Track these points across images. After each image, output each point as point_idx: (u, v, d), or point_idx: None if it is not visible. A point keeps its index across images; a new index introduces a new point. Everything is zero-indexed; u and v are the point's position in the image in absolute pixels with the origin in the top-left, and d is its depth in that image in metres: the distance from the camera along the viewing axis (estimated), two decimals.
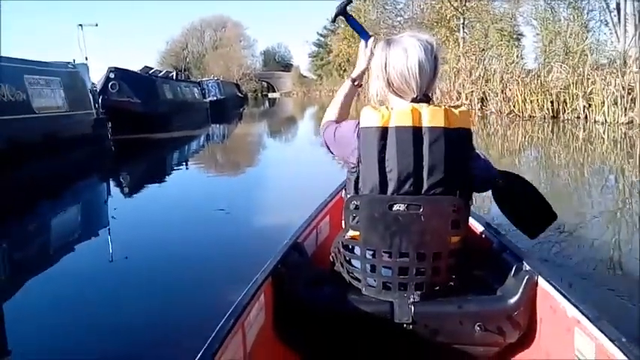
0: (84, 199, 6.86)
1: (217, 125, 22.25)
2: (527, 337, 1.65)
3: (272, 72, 69.29)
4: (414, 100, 1.55)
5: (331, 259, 1.77)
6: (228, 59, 57.79)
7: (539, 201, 1.85)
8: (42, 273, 3.74)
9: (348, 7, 1.87)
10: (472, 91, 17.73)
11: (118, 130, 15.01)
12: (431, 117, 1.49)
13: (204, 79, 31.98)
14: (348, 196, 1.61)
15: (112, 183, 8.46)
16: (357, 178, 1.58)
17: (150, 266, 3.65)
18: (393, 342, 1.60)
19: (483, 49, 25.17)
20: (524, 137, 11.94)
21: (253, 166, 9.99)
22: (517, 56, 21.87)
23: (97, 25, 12.67)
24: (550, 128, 12.61)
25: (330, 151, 1.73)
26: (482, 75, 17.49)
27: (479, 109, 17.43)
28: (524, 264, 1.71)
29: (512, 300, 1.61)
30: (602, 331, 1.32)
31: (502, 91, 15.48)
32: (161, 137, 15.01)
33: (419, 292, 1.57)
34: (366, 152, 1.53)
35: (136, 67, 18.34)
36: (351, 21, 1.89)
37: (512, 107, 14.87)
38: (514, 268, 1.71)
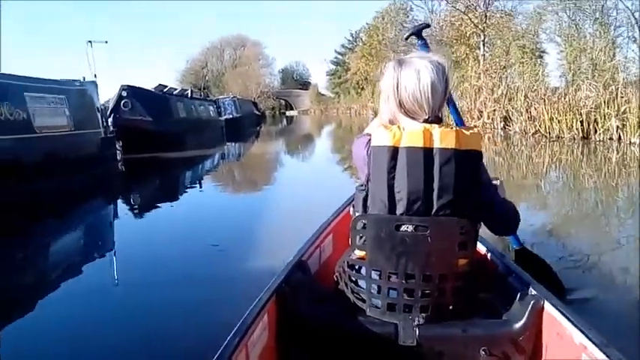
0: (82, 223, 6.45)
1: (233, 144, 21.82)
2: None
3: (290, 90, 69.21)
4: (425, 121, 1.54)
5: (335, 279, 1.75)
6: (247, 78, 57.79)
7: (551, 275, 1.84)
8: (41, 298, 3.53)
9: (423, 31, 1.87)
10: (494, 110, 16.93)
11: (130, 149, 14.67)
12: (442, 138, 1.48)
13: (220, 97, 31.69)
14: (356, 214, 1.60)
15: (116, 205, 8.03)
16: (366, 196, 1.56)
17: (155, 290, 3.49)
18: None
19: (504, 67, 24.54)
20: (551, 159, 11.16)
21: (268, 185, 9.46)
22: (541, 74, 21.17)
23: (106, 42, 12.34)
24: (580, 150, 11.77)
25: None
26: (505, 93, 16.70)
27: (502, 129, 16.60)
28: (530, 289, 1.69)
29: (518, 325, 1.58)
30: (609, 358, 1.29)
31: (527, 110, 14.65)
32: (174, 156, 14.57)
33: (424, 315, 1.55)
34: (376, 171, 1.52)
35: (154, 85, 17.97)
36: (422, 43, 1.85)
37: (537, 127, 14.01)
38: (520, 293, 1.68)
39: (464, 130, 1.52)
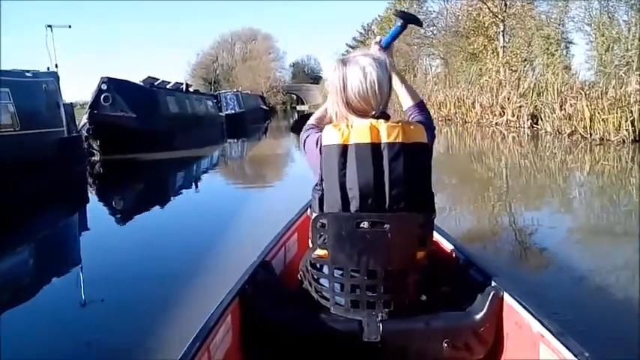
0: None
1: (235, 141, 19.91)
2: (493, 353, 1.63)
3: (301, 84, 67.07)
4: (372, 117, 1.53)
5: (299, 278, 1.73)
6: (257, 71, 55.84)
7: None
8: None
9: (409, 25, 1.89)
10: (520, 106, 14.68)
11: (108, 149, 12.80)
12: (389, 133, 1.49)
13: (222, 91, 29.68)
14: (314, 214, 1.58)
15: (68, 219, 6.83)
16: (322, 196, 1.55)
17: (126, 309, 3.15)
18: None
19: (525, 59, 22.25)
20: (592, 165, 9.06)
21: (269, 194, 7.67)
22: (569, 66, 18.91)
23: (70, 26, 10.30)
24: (630, 155, 9.56)
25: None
26: (532, 87, 14.42)
27: (529, 128, 14.32)
28: (490, 280, 1.70)
29: (479, 316, 1.59)
30: (565, 346, 1.31)
31: (561, 107, 12.37)
32: (158, 158, 12.65)
33: (387, 310, 1.54)
34: (328, 170, 1.52)
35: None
36: (398, 29, 1.88)
37: (575, 126, 11.73)
38: (480, 284, 1.69)
39: (408, 124, 1.54)
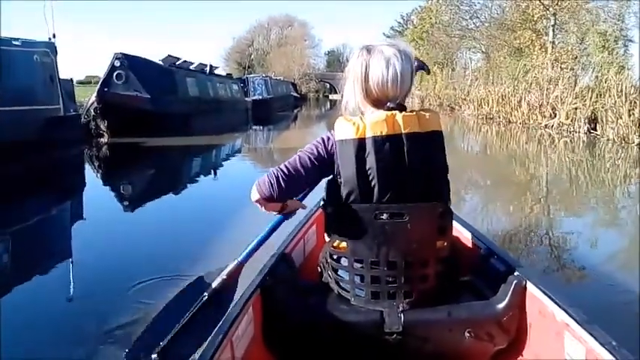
0: None
1: (260, 128, 18.55)
2: (517, 343, 1.59)
3: (335, 73, 65.13)
4: (388, 109, 1.47)
5: (319, 270, 1.70)
6: (291, 58, 54.36)
7: None
8: None
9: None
10: (576, 108, 12.77)
11: (118, 131, 11.62)
12: (406, 123, 1.44)
13: (250, 75, 28.27)
14: (330, 208, 1.54)
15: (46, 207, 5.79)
16: (338, 189, 1.49)
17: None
18: (383, 351, 1.52)
19: (576, 57, 20.12)
20: None
21: None
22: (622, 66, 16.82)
23: None
24: None
25: (280, 192, 1.54)
26: (592, 87, 12.49)
27: (585, 133, 12.42)
28: (513, 269, 1.65)
29: (501, 305, 1.56)
30: (591, 335, 1.27)
31: (629, 112, 10.47)
32: (170, 144, 11.38)
33: (408, 300, 1.51)
34: (345, 164, 1.46)
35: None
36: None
37: None
38: (502, 274, 1.65)
39: (423, 113, 1.49)
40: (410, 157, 1.43)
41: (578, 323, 1.33)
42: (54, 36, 8.63)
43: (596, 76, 12.91)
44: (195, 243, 3.88)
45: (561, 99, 13.61)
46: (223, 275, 1.68)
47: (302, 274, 1.94)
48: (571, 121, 12.88)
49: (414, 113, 1.46)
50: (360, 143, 1.43)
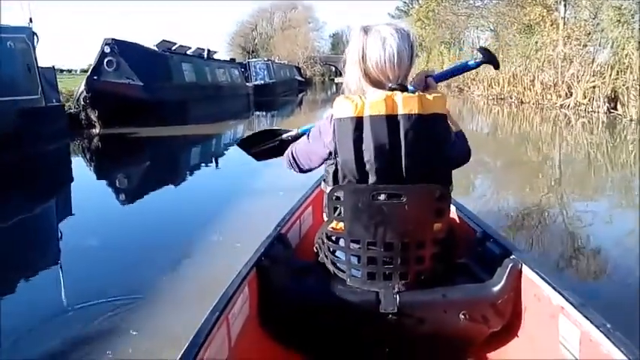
0: None
1: (263, 114, 17.84)
2: (511, 325, 1.60)
3: (340, 56, 62.98)
4: (389, 90, 1.46)
5: (315, 250, 1.70)
6: (295, 41, 53.28)
7: None
8: None
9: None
10: (594, 87, 11.91)
11: (109, 121, 11.02)
12: (405, 104, 1.42)
13: (251, 60, 27.39)
14: (329, 188, 1.52)
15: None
16: (336, 170, 1.50)
17: None
18: (378, 331, 1.53)
19: (589, 33, 19.08)
20: None
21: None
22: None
23: None
24: None
25: (298, 167, 1.69)
26: (612, 64, 11.61)
27: (605, 113, 11.57)
28: (509, 252, 1.65)
29: (497, 288, 1.56)
30: (586, 318, 1.27)
31: None
32: (164, 134, 10.72)
33: (404, 282, 1.51)
34: (342, 143, 1.45)
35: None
36: (467, 66, 1.87)
37: None
38: (498, 257, 1.65)
39: (427, 95, 1.45)
40: (407, 138, 1.41)
41: (573, 306, 1.33)
42: (30, 20, 7.92)
43: (615, 52, 11.95)
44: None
45: (577, 77, 12.75)
46: (289, 136, 1.99)
47: (298, 255, 1.93)
48: (589, 100, 12.04)
49: (416, 94, 1.43)
50: (358, 122, 1.42)
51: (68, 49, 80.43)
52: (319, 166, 1.63)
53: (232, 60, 24.09)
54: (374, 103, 1.41)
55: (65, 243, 4.03)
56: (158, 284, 2.90)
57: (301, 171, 1.69)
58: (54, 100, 8.45)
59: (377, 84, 1.47)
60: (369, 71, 1.45)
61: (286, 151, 1.71)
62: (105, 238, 3.94)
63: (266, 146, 2.08)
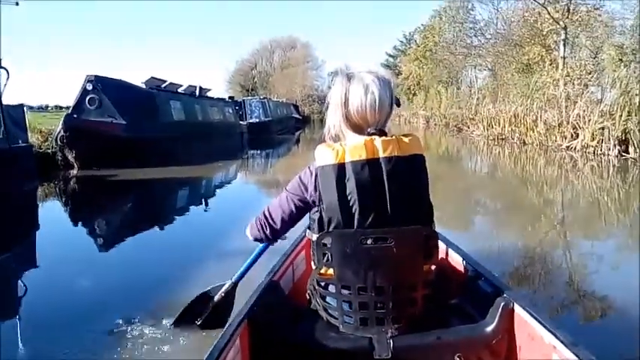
0: None
1: (258, 153, 17.12)
2: None
3: None
4: (368, 134, 1.50)
5: (308, 297, 1.68)
6: (294, 79, 53.37)
7: None
8: None
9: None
10: (603, 128, 11.20)
11: (88, 162, 10.26)
12: (385, 147, 1.46)
13: (246, 97, 26.93)
14: (315, 235, 1.52)
15: None
16: (320, 216, 1.50)
17: None
18: None
19: (590, 72, 18.62)
20: None
21: None
22: None
23: (17, 3, 7.59)
24: None
25: (270, 228, 1.67)
26: (622, 105, 10.93)
27: (617, 156, 10.81)
28: (500, 291, 1.64)
29: (490, 328, 1.56)
30: (578, 357, 1.29)
31: None
32: (145, 177, 9.87)
33: (397, 326, 1.50)
34: (326, 189, 1.47)
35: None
36: None
37: None
38: (490, 296, 1.64)
39: (403, 137, 1.50)
40: (389, 180, 1.43)
41: (565, 345, 1.32)
42: None
43: (624, 92, 11.30)
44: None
45: (583, 118, 12.06)
46: (221, 293, 2.13)
47: (292, 301, 1.88)
48: (598, 142, 11.30)
49: (394, 137, 1.48)
50: (340, 168, 1.44)
51: (65, 86, 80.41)
52: (292, 224, 1.63)
53: (231, 98, 23.62)
54: (354, 148, 1.45)
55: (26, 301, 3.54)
56: None
57: (273, 234, 1.66)
58: (20, 141, 7.66)
59: (357, 128, 1.52)
60: (350, 115, 1.51)
61: (252, 221, 1.69)
62: (70, 293, 3.51)
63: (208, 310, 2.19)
